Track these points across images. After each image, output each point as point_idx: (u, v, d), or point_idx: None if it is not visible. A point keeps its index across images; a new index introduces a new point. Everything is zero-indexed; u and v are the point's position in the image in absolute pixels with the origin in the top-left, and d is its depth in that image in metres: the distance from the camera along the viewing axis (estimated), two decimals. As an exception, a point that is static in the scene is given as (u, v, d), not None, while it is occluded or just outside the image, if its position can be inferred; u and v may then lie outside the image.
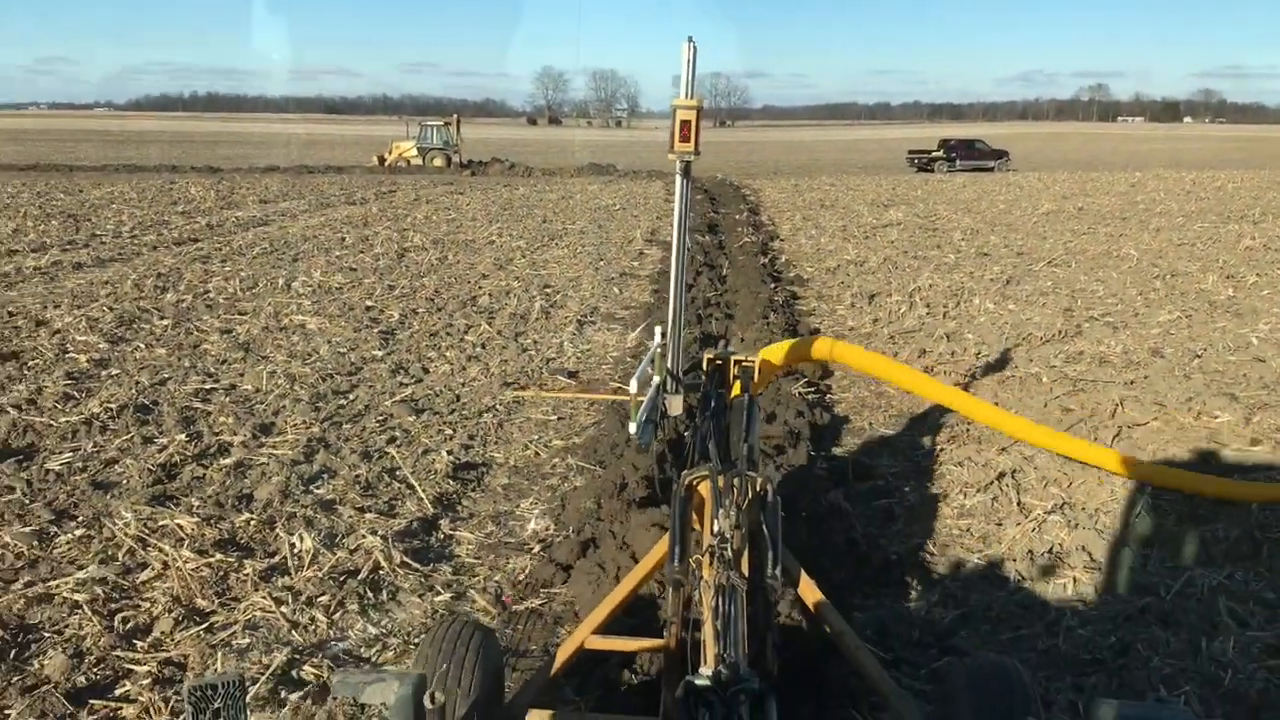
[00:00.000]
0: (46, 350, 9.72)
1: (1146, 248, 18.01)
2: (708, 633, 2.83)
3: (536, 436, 7.59)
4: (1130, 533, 5.55)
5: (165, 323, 11.15)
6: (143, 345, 10.07)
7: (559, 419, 8.05)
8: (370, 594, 5.00)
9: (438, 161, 47.64)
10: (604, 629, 3.86)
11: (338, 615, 4.78)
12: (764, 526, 3.22)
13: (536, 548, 5.66)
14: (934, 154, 53.08)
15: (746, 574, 3.03)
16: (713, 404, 4.24)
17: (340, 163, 49.20)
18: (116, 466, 6.66)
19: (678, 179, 5.35)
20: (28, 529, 5.62)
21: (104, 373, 9.01)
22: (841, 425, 7.97)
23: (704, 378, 4.74)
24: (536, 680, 3.69)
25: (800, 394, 8.45)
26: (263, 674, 4.21)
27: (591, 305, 12.94)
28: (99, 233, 19.34)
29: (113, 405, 7.90)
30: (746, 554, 3.14)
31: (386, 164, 47.81)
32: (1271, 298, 12.70)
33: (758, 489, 3.39)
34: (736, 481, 3.32)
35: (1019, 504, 6.08)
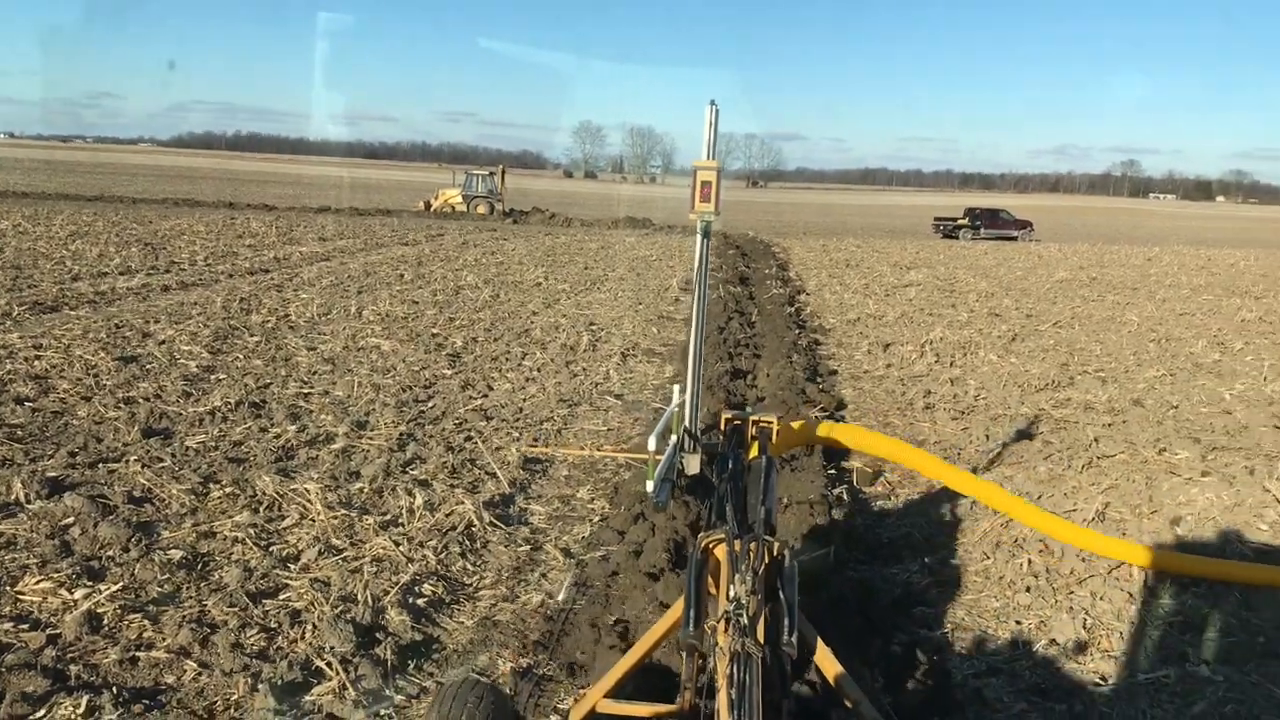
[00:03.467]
0: (159, 356, 11.17)
1: (1148, 315, 19.27)
2: (722, 701, 2.81)
3: (590, 440, 8.91)
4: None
5: (256, 339, 12.60)
6: (241, 356, 11.51)
7: (608, 430, 9.37)
8: (468, 542, 6.32)
9: (481, 209, 49.44)
10: (616, 692, 3.76)
11: (443, 555, 6.10)
12: (781, 593, 3.17)
13: (597, 518, 6.98)
14: (959, 221, 54.21)
15: (762, 641, 2.97)
16: (730, 465, 4.11)
17: (387, 206, 51.16)
18: (243, 446, 8.04)
19: (698, 239, 5.95)
20: (184, 486, 6.97)
21: (213, 376, 10.43)
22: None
23: (722, 438, 4.70)
24: None
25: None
26: (393, 588, 5.52)
27: (633, 341, 14.31)
28: (176, 260, 21.00)
29: (230, 401, 9.30)
30: (762, 621, 3.08)
31: (432, 209, 49.67)
32: (1254, 363, 13.88)
33: (775, 554, 3.31)
34: (753, 546, 3.23)
35: (993, 507, 7.31)
